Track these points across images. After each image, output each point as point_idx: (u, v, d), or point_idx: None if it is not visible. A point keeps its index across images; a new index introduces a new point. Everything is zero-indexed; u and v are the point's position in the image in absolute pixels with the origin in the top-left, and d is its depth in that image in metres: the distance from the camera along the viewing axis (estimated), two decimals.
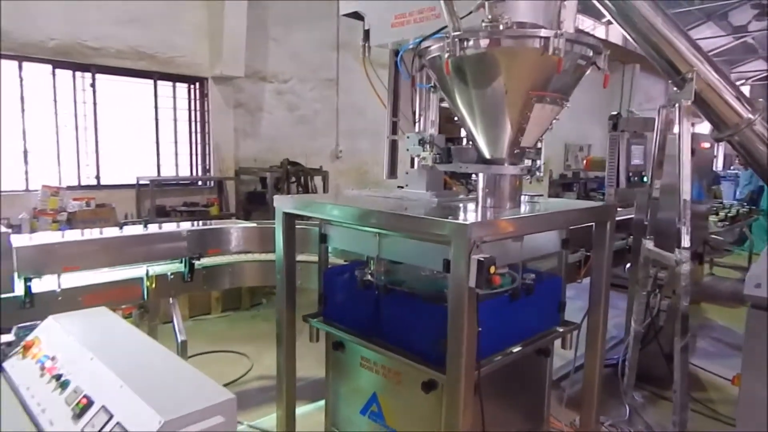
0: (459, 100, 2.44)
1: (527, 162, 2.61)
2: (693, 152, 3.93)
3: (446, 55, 2.22)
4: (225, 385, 4.28)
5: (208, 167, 7.07)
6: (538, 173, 2.69)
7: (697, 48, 3.16)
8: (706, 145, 3.97)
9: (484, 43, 2.17)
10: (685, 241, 3.10)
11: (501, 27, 2.14)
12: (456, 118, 2.56)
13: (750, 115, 3.12)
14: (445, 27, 2.27)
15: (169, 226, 3.40)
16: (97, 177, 6.14)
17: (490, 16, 2.14)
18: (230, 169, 7.17)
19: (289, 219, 2.89)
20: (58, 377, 1.72)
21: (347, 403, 2.85)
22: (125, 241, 3.02)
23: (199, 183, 7.10)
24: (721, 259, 7.40)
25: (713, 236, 5.66)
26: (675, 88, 3.24)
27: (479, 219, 2.24)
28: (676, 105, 3.18)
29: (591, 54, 2.33)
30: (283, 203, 2.88)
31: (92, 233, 3.10)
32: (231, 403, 1.49)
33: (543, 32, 2.13)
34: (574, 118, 11.96)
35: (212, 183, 7.08)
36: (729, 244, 6.23)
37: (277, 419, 3.09)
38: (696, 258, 4.17)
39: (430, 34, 2.43)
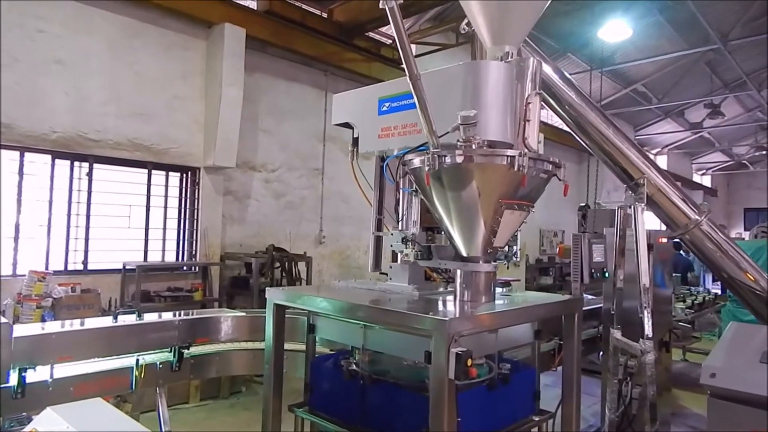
0: (438, 205, 2.74)
1: (505, 248, 2.88)
2: (651, 247, 4.31)
3: (427, 168, 2.55)
4: None
5: (194, 252, 7.22)
6: (515, 258, 2.97)
7: (646, 157, 3.60)
8: (664, 240, 4.33)
9: (459, 159, 2.50)
10: (648, 329, 3.34)
11: (474, 146, 2.48)
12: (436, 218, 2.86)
13: (697, 217, 3.50)
14: (427, 142, 2.61)
15: (156, 316, 3.52)
16: (84, 262, 6.23)
17: (464, 137, 2.49)
18: (216, 254, 7.33)
19: (280, 310, 3.06)
20: None
21: None
22: (120, 331, 3.12)
23: (184, 268, 7.21)
24: (691, 345, 7.64)
25: (681, 323, 5.94)
26: (630, 192, 3.63)
27: (457, 314, 2.45)
28: (632, 206, 3.55)
29: (551, 168, 2.69)
30: (274, 295, 3.06)
31: (87, 323, 3.20)
32: None
33: (509, 152, 2.48)
34: (548, 205, 12.57)
35: (197, 268, 7.20)
36: (696, 331, 6.49)
37: None
38: (663, 346, 4.40)
39: (413, 148, 2.79)
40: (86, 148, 6.13)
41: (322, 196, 8.88)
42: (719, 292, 8.21)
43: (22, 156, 5.73)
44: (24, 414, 2.78)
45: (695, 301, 6.95)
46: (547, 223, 14.80)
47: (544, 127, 11.60)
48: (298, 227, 8.57)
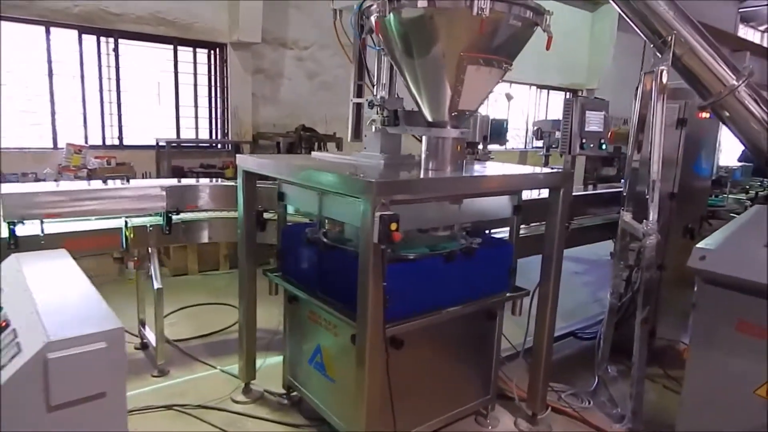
0: (399, 62, 2.46)
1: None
2: (685, 122, 3.77)
3: (376, 15, 2.24)
4: (210, 334, 4.51)
5: (226, 131, 7.31)
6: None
7: (680, 12, 2.98)
8: (705, 114, 3.75)
9: (412, 2, 2.16)
10: (653, 213, 3.00)
11: None
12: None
13: (733, 81, 2.93)
14: None
15: (142, 182, 3.62)
16: (120, 137, 6.51)
17: None
18: (248, 133, 7.38)
19: (250, 177, 3.02)
20: None
21: (299, 354, 3.01)
22: (106, 194, 3.24)
23: (218, 146, 7.37)
24: None
25: (732, 214, 5.38)
26: (657, 54, 3.08)
27: (390, 178, 2.26)
28: (654, 70, 3.04)
29: (530, 15, 2.28)
30: (244, 162, 3.01)
31: (76, 185, 3.35)
32: (118, 332, 1.65)
33: None
34: (615, 90, 11.38)
35: (230, 146, 7.33)
36: None
37: (239, 369, 3.28)
38: (687, 233, 4.02)
39: None
40: (109, 23, 6.10)
41: None
42: None
43: (48, 31, 5.81)
44: None
45: (760, 193, 6.26)
46: (617, 109, 13.51)
47: None
48: (334, 109, 8.36)
